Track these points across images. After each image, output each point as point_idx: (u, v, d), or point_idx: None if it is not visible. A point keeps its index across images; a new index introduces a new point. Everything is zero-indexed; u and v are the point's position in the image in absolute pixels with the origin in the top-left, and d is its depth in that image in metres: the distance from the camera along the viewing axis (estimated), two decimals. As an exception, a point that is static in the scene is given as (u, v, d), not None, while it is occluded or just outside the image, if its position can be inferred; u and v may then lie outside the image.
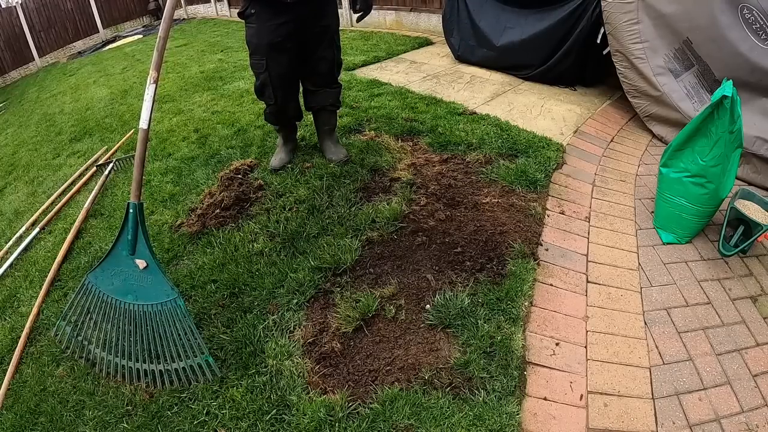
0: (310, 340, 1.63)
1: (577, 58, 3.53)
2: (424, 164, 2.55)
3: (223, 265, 1.99)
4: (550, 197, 2.32)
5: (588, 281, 1.89)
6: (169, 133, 3.53)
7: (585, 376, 1.52)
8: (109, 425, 1.47)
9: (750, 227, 1.99)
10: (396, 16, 6.31)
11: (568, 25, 3.46)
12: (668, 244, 2.13)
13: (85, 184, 3.15)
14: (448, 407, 1.38)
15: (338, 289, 1.82)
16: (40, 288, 2.12)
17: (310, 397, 1.44)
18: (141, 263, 1.59)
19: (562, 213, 2.25)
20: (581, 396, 1.46)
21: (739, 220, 2.04)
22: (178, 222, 2.36)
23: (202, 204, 2.42)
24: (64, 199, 2.98)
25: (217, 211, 2.32)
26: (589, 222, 2.23)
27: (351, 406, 1.41)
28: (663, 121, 3.03)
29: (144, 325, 1.58)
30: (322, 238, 2.05)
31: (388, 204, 2.20)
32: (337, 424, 1.35)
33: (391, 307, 1.71)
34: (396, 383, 1.46)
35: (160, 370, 1.56)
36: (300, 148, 2.83)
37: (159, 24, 1.91)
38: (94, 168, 3.29)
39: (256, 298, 1.82)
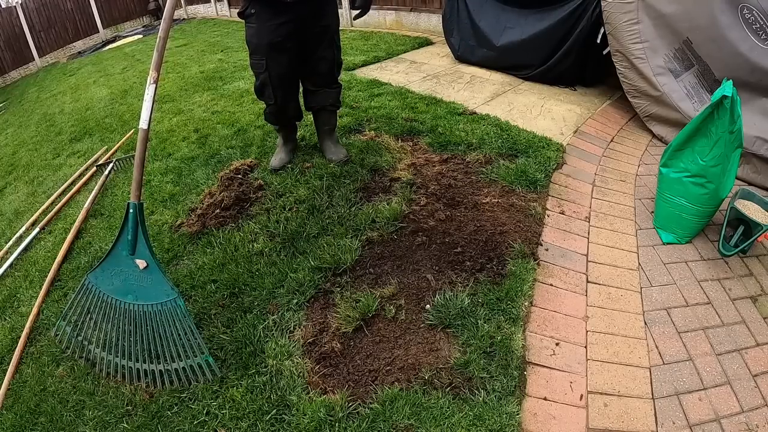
0: (310, 340, 1.63)
1: (577, 58, 3.53)
2: (424, 164, 2.55)
3: (223, 265, 1.99)
4: (550, 197, 2.32)
5: (588, 281, 1.89)
6: (169, 133, 3.53)
7: (585, 376, 1.52)
8: (109, 425, 1.47)
9: (750, 227, 1.99)
10: (396, 16, 6.31)
11: (568, 25, 3.46)
12: (668, 244, 2.13)
13: (85, 184, 3.15)
14: (448, 407, 1.38)
15: (338, 289, 1.82)
16: (40, 288, 2.12)
17: (310, 397, 1.44)
18: (141, 263, 1.59)
19: (562, 213, 2.25)
20: (581, 396, 1.46)
21: (739, 220, 2.04)
22: (178, 222, 2.36)
23: (202, 204, 2.42)
24: (64, 199, 2.98)
25: (217, 211, 2.32)
26: (589, 222, 2.23)
27: (351, 406, 1.41)
28: (663, 121, 3.03)
29: (144, 325, 1.58)
30: (322, 238, 2.05)
31: (388, 204, 2.20)
32: (337, 424, 1.35)
33: (391, 307, 1.71)
34: (396, 383, 1.46)
35: (160, 370, 1.56)
36: (300, 148, 2.83)
37: (159, 24, 1.91)
38: (94, 168, 3.29)
39: (256, 298, 1.82)
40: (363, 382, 1.49)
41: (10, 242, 2.67)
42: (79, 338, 1.70)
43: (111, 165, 3.20)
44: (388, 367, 1.52)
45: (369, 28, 6.47)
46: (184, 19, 11.46)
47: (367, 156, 2.63)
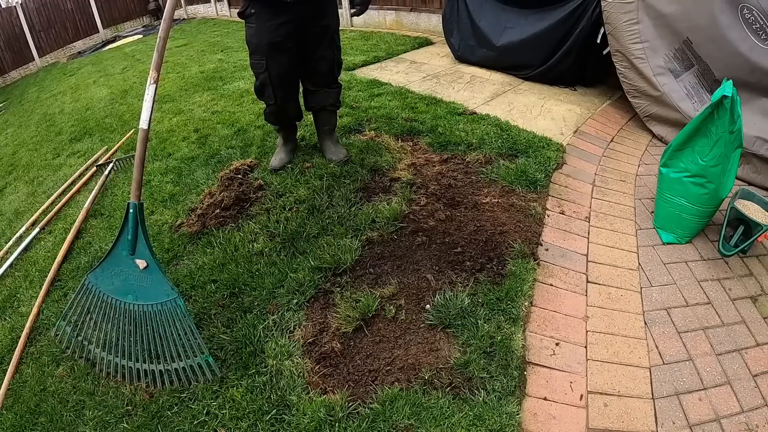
0: (310, 340, 1.63)
1: (577, 58, 3.53)
2: (424, 164, 2.55)
3: (223, 265, 1.99)
4: (550, 197, 2.32)
5: (588, 281, 1.89)
6: (169, 133, 3.53)
7: (585, 376, 1.52)
8: (109, 425, 1.47)
9: (750, 227, 1.99)
10: (396, 16, 6.31)
11: (568, 25, 3.46)
12: (668, 244, 2.13)
13: (85, 184, 3.15)
14: (448, 407, 1.38)
15: (338, 289, 1.82)
16: (40, 288, 2.12)
17: (310, 397, 1.44)
18: (141, 263, 1.59)
19: (562, 213, 2.25)
20: (581, 396, 1.46)
21: (739, 220, 2.04)
22: (178, 222, 2.36)
23: (202, 204, 2.42)
24: (64, 199, 2.98)
25: (217, 211, 2.32)
26: (589, 222, 2.23)
27: (351, 406, 1.41)
28: (663, 121, 3.03)
29: (144, 325, 1.58)
30: (322, 238, 2.05)
31: (388, 204, 2.20)
32: (337, 424, 1.35)
33: (391, 307, 1.71)
34: (396, 383, 1.46)
35: (160, 370, 1.56)
36: (300, 148, 2.83)
37: (159, 24, 1.91)
38: (94, 168, 3.29)
39: (256, 298, 1.82)
40: (363, 382, 1.49)
41: (10, 242, 2.67)
42: (79, 338, 1.70)
43: (111, 165, 3.20)
44: (388, 367, 1.52)
45: (369, 28, 6.46)
46: (184, 19, 11.46)
47: (367, 156, 2.63)
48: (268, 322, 1.70)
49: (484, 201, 2.22)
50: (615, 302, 1.80)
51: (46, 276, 2.19)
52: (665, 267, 1.99)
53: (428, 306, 1.71)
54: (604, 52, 3.28)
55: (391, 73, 4.33)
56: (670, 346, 1.64)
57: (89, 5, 11.38)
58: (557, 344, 1.61)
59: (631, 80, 3.06)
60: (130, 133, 3.83)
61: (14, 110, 6.76)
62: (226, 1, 10.29)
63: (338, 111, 2.74)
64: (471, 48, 4.29)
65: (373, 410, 1.38)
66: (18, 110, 6.62)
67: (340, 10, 3.14)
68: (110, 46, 10.19)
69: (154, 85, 1.63)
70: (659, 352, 1.61)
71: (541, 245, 2.02)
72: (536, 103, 3.39)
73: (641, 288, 1.88)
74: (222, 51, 6.45)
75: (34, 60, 10.49)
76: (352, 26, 6.61)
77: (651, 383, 1.51)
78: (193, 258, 2.08)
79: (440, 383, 1.45)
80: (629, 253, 2.07)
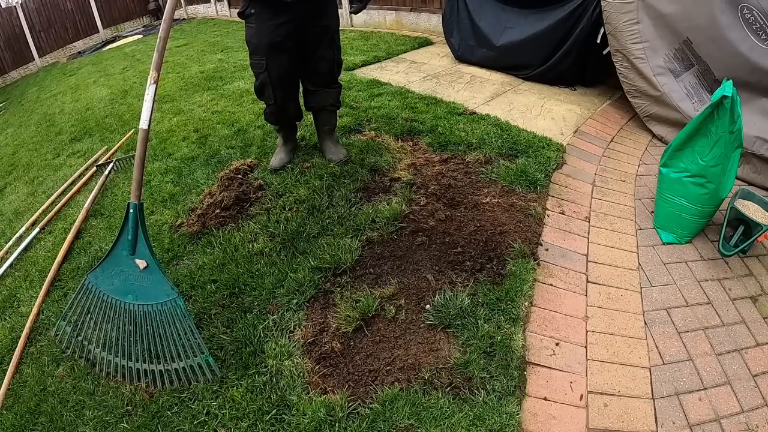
0: (310, 340, 1.63)
1: (577, 58, 3.53)
2: (424, 164, 2.55)
3: (223, 265, 1.99)
4: (550, 197, 2.32)
5: (588, 281, 1.89)
6: (169, 133, 3.53)
7: (585, 376, 1.52)
8: (109, 425, 1.47)
9: (750, 227, 1.99)
10: (396, 16, 6.31)
11: (568, 25, 3.46)
12: (668, 244, 2.13)
13: (85, 184, 3.15)
14: (448, 407, 1.38)
15: (338, 289, 1.82)
16: (40, 288, 2.12)
17: (310, 397, 1.44)
18: (141, 263, 1.59)
19: (562, 213, 2.25)
20: (581, 396, 1.46)
21: (739, 220, 2.04)
22: (178, 222, 2.36)
23: (202, 204, 2.42)
24: (64, 199, 2.98)
25: (217, 211, 2.32)
26: (589, 222, 2.23)
27: (351, 406, 1.41)
28: (663, 121, 3.03)
29: (144, 325, 1.58)
30: (322, 238, 2.05)
31: (388, 204, 2.20)
32: (337, 424, 1.35)
33: (391, 307, 1.71)
34: (396, 383, 1.46)
35: (160, 370, 1.56)
36: (300, 148, 2.83)
37: (159, 24, 1.91)
38: (94, 168, 3.29)
39: (256, 298, 1.82)
40: (363, 382, 1.49)
41: (10, 242, 2.67)
42: (79, 338, 1.70)
43: (111, 165, 3.20)
44: (388, 367, 1.52)
45: (369, 28, 6.46)
46: (184, 19, 11.46)
47: (367, 156, 2.63)
48: (268, 322, 1.70)
49: (484, 201, 2.22)
50: (615, 302, 1.80)
51: (46, 276, 2.19)
52: (665, 267, 1.99)
53: (428, 306, 1.71)
54: (604, 52, 3.28)
55: (391, 73, 4.33)
56: (670, 346, 1.64)
57: (89, 5, 11.38)
58: (557, 344, 1.61)
59: (631, 80, 3.06)
60: (130, 133, 3.83)
61: (14, 110, 6.76)
62: (226, 1, 10.29)
63: (338, 111, 2.74)
64: (471, 48, 4.29)
65: (373, 410, 1.38)
66: (18, 110, 6.62)
67: (340, 10, 3.14)
68: (110, 46, 10.19)
69: (154, 85, 1.63)
70: (659, 352, 1.61)
71: (541, 245, 2.02)
72: (536, 103, 3.39)
73: (641, 288, 1.88)
74: (222, 51, 6.45)
75: (34, 60, 10.49)
76: (352, 26, 6.61)
77: (651, 383, 1.51)
78: (193, 258, 2.08)
79: (440, 383, 1.45)
80: (629, 253, 2.07)
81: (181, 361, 1.53)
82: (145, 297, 1.58)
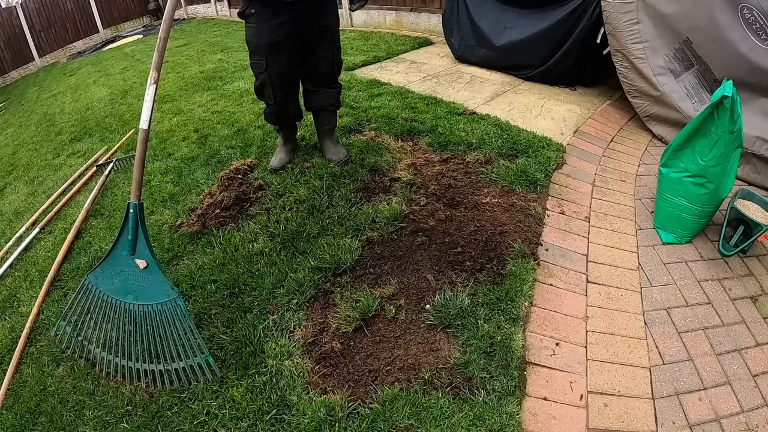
0: (310, 340, 1.63)
1: (577, 58, 3.53)
2: (424, 164, 2.55)
3: (223, 265, 1.99)
4: (550, 197, 2.32)
5: (588, 281, 1.89)
6: (169, 133, 3.53)
7: (585, 376, 1.52)
8: (109, 425, 1.47)
9: (750, 227, 1.99)
10: (396, 16, 6.31)
11: (568, 25, 3.46)
12: (668, 244, 2.13)
13: (85, 184, 3.15)
14: (448, 407, 1.38)
15: (338, 289, 1.82)
16: (40, 288, 2.12)
17: (310, 397, 1.44)
18: (141, 263, 1.59)
19: (562, 213, 2.25)
20: (581, 396, 1.46)
21: (739, 220, 2.04)
22: (178, 222, 2.36)
23: (202, 204, 2.42)
24: (64, 199, 2.98)
25: (217, 211, 2.32)
26: (589, 222, 2.23)
27: (351, 406, 1.41)
28: (663, 121, 3.03)
29: (144, 325, 1.58)
30: (322, 238, 2.05)
31: (388, 204, 2.20)
32: (337, 424, 1.35)
33: (391, 307, 1.71)
34: (396, 383, 1.46)
35: (160, 370, 1.56)
36: (300, 148, 2.83)
37: (159, 24, 1.91)
38: (94, 168, 3.29)
39: (256, 298, 1.82)
40: (363, 382, 1.49)
41: (10, 242, 2.67)
42: (79, 338, 1.70)
43: (111, 165, 3.20)
44: (388, 367, 1.52)
45: (369, 28, 6.46)
46: (184, 19, 11.46)
47: (367, 156, 2.63)
48: (268, 322, 1.70)
49: (484, 201, 2.22)
50: (615, 302, 1.80)
51: (46, 276, 2.19)
52: (665, 267, 1.99)
53: (428, 306, 1.71)
54: (604, 52, 3.28)
55: (391, 73, 4.33)
56: (670, 346, 1.64)
57: (89, 5, 11.38)
58: (557, 344, 1.61)
59: (631, 80, 3.06)
60: (130, 133, 3.83)
61: (14, 110, 6.76)
62: (226, 1, 10.29)
63: (338, 111, 2.74)
64: (471, 48, 4.29)
65: (373, 410, 1.38)
66: (18, 110, 6.62)
67: (340, 10, 3.14)
68: (110, 46, 10.20)
69: (155, 85, 1.63)
70: (659, 352, 1.61)
71: (541, 245, 2.02)
72: (536, 103, 3.39)
73: (641, 288, 1.88)
74: (222, 51, 6.45)
75: (34, 60, 10.49)
76: (352, 26, 6.61)
77: (651, 383, 1.51)
78: (193, 258, 2.08)
79: (440, 383, 1.45)
80: (629, 253, 2.07)
81: (181, 361, 1.53)
82: (145, 297, 1.58)
